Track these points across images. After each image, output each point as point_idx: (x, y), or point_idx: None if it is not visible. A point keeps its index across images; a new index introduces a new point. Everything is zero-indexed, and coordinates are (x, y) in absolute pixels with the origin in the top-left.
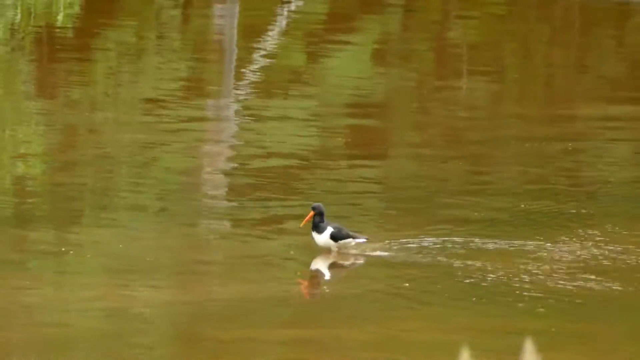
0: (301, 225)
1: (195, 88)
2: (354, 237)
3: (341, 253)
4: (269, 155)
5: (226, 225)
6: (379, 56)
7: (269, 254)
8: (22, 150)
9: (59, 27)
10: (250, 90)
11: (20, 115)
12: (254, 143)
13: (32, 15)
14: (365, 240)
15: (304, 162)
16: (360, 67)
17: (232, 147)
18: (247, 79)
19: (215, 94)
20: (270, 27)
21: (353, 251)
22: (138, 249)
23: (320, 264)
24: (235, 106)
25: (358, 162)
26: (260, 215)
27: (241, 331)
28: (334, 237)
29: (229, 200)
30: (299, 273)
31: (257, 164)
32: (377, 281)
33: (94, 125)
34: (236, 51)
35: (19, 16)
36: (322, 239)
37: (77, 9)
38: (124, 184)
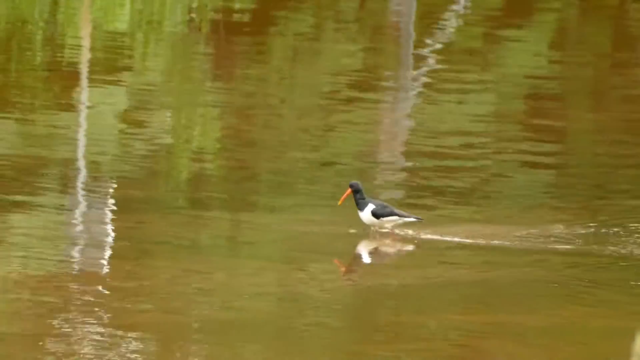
0: (339, 203)
1: (372, 71)
2: (400, 215)
3: (388, 231)
4: (445, 138)
5: (402, 210)
6: (555, 41)
7: (443, 243)
8: (198, 133)
9: (237, 11)
10: (426, 73)
11: (197, 98)
12: (430, 126)
13: None
14: (416, 219)
15: (479, 145)
16: (537, 51)
17: (408, 129)
18: (424, 63)
19: (392, 77)
20: (447, 10)
21: (528, 241)
22: (312, 233)
23: (489, 250)
24: (412, 89)
25: (533, 146)
26: (434, 200)
27: (416, 316)
28: (376, 215)
29: (405, 185)
30: (468, 259)
31: (433, 146)
32: (549, 268)
33: (270, 108)
34: (413, 35)
35: (195, 4)
36: (365, 216)
37: None
38: (299, 168)
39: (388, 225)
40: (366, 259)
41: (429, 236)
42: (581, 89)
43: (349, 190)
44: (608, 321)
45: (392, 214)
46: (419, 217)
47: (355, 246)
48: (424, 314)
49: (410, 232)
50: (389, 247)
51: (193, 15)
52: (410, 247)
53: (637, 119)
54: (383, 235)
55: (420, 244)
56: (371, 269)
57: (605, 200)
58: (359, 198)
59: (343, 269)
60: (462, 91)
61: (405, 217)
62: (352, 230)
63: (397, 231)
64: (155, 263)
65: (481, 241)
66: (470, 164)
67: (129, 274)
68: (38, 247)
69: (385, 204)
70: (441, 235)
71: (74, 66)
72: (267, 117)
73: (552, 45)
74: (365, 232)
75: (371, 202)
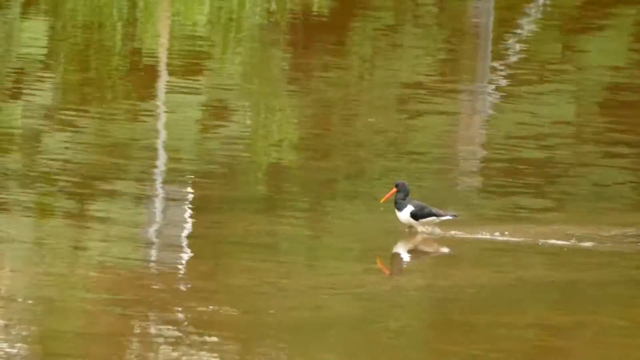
0: (382, 201)
1: (450, 71)
2: (437, 215)
3: (424, 230)
4: (523, 139)
5: (476, 212)
6: (636, 40)
7: (518, 242)
8: (277, 134)
9: (315, 12)
10: (506, 73)
11: (276, 99)
12: (509, 128)
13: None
14: (452, 217)
15: (558, 147)
16: (617, 51)
17: (486, 131)
18: (503, 62)
19: (470, 77)
20: (527, 10)
21: (605, 239)
22: (390, 234)
23: (566, 249)
24: (490, 90)
25: (614, 139)
26: (511, 194)
27: (489, 316)
28: (414, 216)
29: (479, 185)
30: (544, 258)
31: (511, 148)
32: (625, 268)
33: (348, 109)
34: (492, 33)
35: (274, 2)
36: (403, 216)
37: None
38: (376, 169)
39: (426, 225)
40: (443, 259)
41: (504, 237)
42: None
43: (394, 189)
44: None
45: (430, 214)
46: (455, 214)
47: (433, 248)
48: (500, 314)
49: (484, 232)
50: (461, 247)
51: (272, 10)
52: (484, 247)
53: None
54: (455, 236)
55: (494, 243)
56: (445, 269)
57: None
58: (399, 198)
59: (415, 268)
60: (542, 84)
61: (441, 215)
62: (406, 230)
63: (459, 231)
64: (233, 263)
65: (558, 240)
66: (548, 156)
67: (207, 273)
68: (116, 246)
69: (423, 204)
70: (515, 236)
71: (153, 64)
72: (345, 118)
73: (634, 38)
74: (435, 232)
75: (411, 203)
